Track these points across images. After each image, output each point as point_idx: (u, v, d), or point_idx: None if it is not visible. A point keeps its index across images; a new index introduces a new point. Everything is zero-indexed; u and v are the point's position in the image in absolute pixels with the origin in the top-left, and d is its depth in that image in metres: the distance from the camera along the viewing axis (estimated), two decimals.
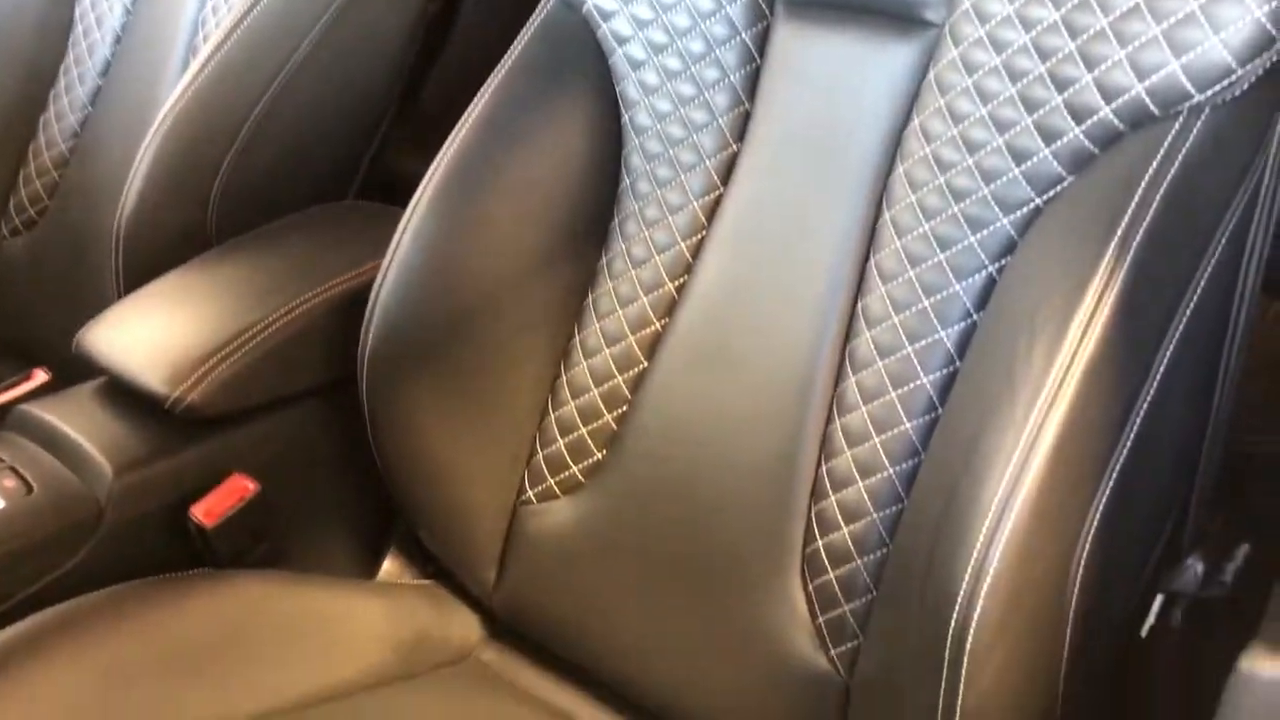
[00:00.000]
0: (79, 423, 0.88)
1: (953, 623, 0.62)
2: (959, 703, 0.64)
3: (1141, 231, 0.62)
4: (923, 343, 0.75)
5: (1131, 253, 0.62)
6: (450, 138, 0.90)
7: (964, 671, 0.63)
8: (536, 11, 0.92)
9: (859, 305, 0.79)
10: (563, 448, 0.91)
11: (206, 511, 0.86)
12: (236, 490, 0.88)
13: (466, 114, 0.91)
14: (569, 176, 0.90)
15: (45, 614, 0.77)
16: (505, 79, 0.91)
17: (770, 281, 0.83)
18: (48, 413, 0.89)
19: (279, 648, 0.87)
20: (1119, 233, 0.62)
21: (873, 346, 0.78)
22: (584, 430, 0.90)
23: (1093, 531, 0.62)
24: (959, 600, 0.62)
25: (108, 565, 0.84)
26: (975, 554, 0.63)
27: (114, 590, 0.82)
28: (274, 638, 0.87)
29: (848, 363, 0.79)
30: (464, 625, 0.98)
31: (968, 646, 0.62)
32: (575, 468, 0.91)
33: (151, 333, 0.91)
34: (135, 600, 0.82)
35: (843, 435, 0.78)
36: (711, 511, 0.83)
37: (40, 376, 1.00)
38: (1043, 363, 0.62)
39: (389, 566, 1.02)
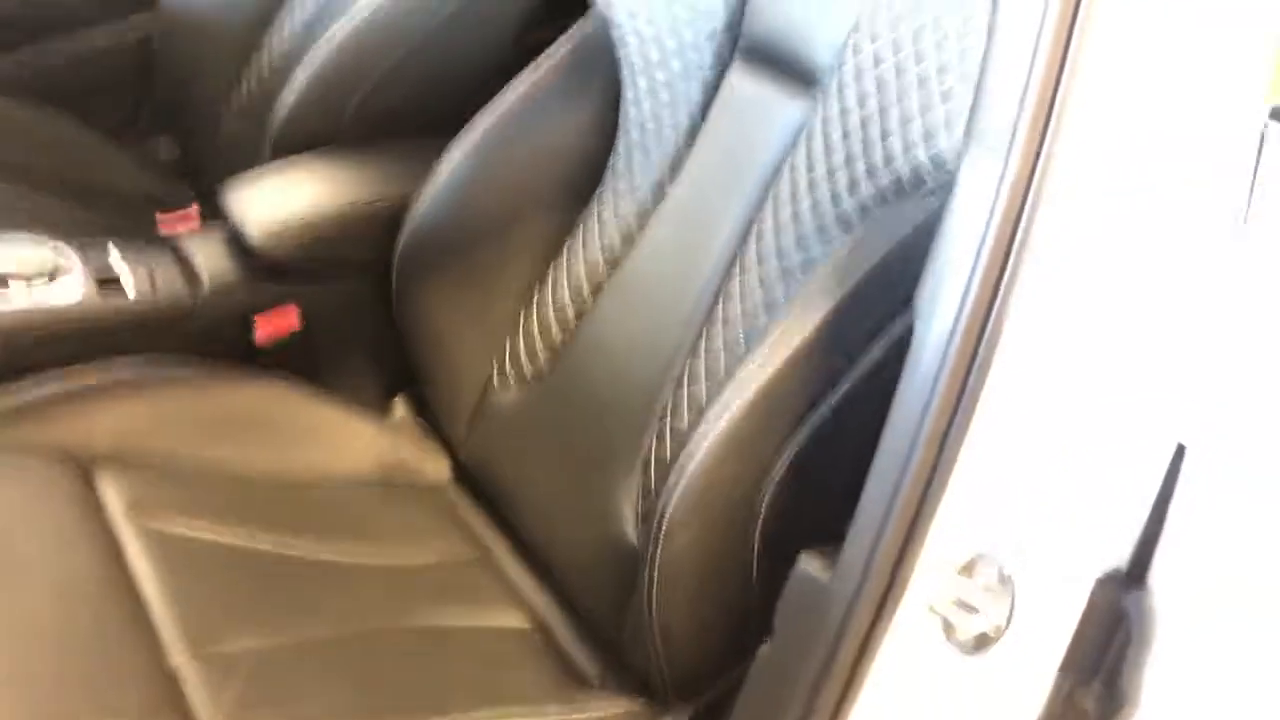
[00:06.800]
0: (199, 250, 1.25)
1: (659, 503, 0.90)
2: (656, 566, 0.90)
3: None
4: (753, 317, 1.00)
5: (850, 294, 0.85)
6: (494, 100, 1.20)
7: (660, 537, 0.89)
8: (580, 20, 1.20)
9: (725, 287, 1.04)
10: (523, 349, 1.21)
11: (262, 332, 1.22)
12: (289, 318, 1.23)
13: (513, 84, 1.20)
14: (573, 148, 1.19)
15: (143, 356, 1.15)
16: (547, 65, 1.20)
17: (683, 258, 1.10)
18: (184, 241, 1.27)
19: (293, 434, 1.21)
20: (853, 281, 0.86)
21: (724, 321, 1.03)
22: (540, 341, 1.20)
23: (777, 478, 0.87)
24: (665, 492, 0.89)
25: (194, 345, 1.20)
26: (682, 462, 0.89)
27: (189, 357, 1.19)
28: (291, 426, 1.21)
29: (706, 325, 1.04)
30: (438, 465, 1.30)
31: (664, 524, 0.88)
32: (531, 366, 1.20)
33: (264, 195, 1.27)
34: (202, 369, 1.19)
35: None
36: (605, 413, 1.11)
37: (189, 214, 1.38)
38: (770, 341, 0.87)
39: (399, 408, 1.35)
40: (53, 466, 1.03)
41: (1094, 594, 0.71)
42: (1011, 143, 0.64)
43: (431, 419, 1.30)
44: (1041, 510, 0.73)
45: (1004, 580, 0.73)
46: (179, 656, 0.90)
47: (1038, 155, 0.64)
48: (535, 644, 1.10)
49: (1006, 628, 0.73)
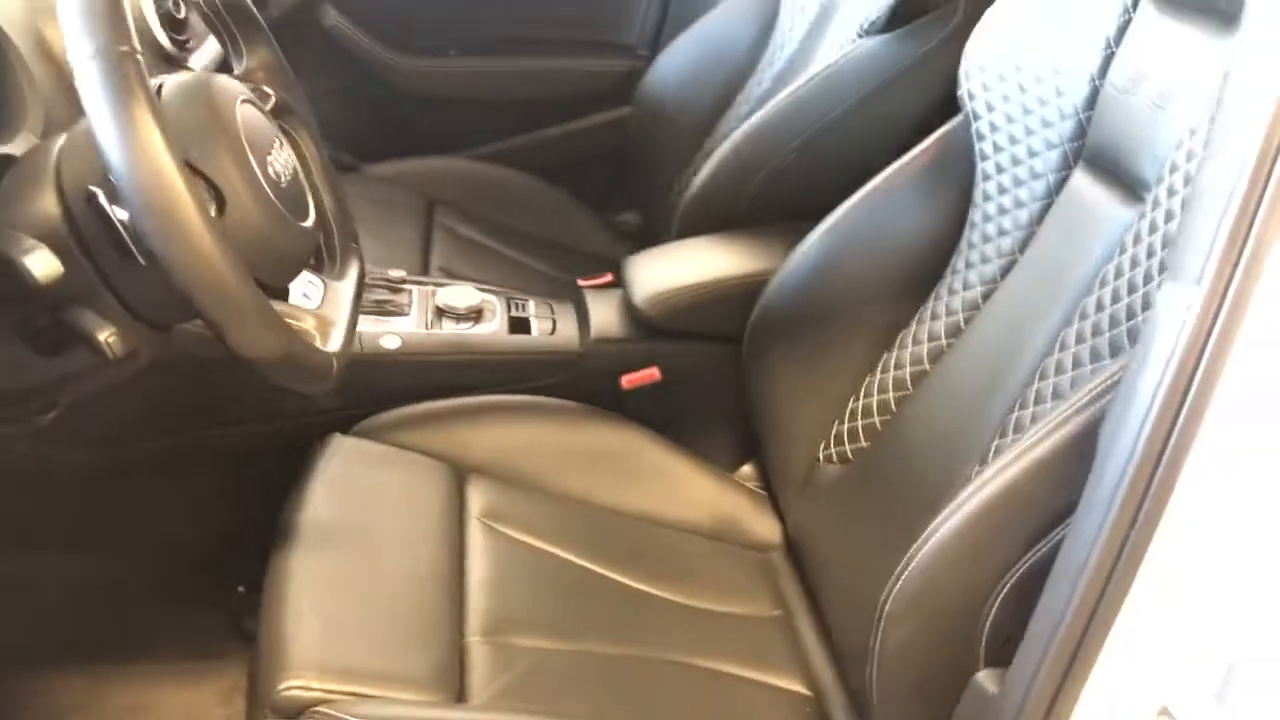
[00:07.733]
0: (597, 306, 1.45)
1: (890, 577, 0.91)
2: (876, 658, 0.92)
3: None
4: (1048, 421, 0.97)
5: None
6: (856, 194, 1.27)
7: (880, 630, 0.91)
8: (950, 122, 1.24)
9: (1024, 393, 1.02)
10: (847, 431, 1.26)
11: (629, 380, 1.39)
12: (653, 373, 1.39)
13: (876, 179, 1.27)
14: (919, 242, 1.23)
15: (533, 398, 1.37)
16: (905, 161, 1.25)
17: (998, 358, 1.09)
18: (589, 297, 1.48)
19: (640, 475, 1.36)
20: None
21: (1014, 427, 1.01)
22: (862, 422, 1.24)
23: (1004, 592, 0.85)
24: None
25: (571, 394, 1.40)
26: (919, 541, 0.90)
27: (573, 403, 1.38)
28: (639, 468, 1.37)
29: (999, 432, 1.03)
30: (768, 529, 1.38)
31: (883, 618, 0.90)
32: (850, 447, 1.25)
33: (651, 265, 1.45)
34: (574, 408, 1.38)
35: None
36: (900, 503, 1.13)
37: (607, 277, 1.60)
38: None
39: (745, 470, 1.45)
40: (437, 466, 1.27)
41: None
42: (1203, 273, 0.62)
43: (768, 486, 1.39)
44: (1236, 671, 0.67)
45: None
46: (473, 636, 1.07)
47: (1227, 290, 0.61)
48: (807, 714, 1.15)
49: None
